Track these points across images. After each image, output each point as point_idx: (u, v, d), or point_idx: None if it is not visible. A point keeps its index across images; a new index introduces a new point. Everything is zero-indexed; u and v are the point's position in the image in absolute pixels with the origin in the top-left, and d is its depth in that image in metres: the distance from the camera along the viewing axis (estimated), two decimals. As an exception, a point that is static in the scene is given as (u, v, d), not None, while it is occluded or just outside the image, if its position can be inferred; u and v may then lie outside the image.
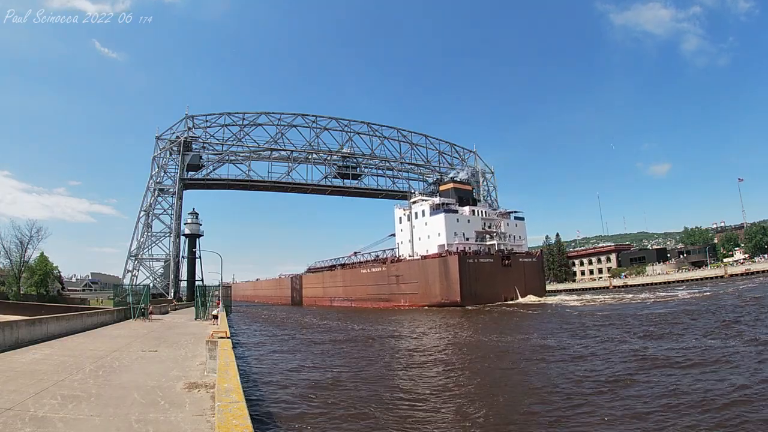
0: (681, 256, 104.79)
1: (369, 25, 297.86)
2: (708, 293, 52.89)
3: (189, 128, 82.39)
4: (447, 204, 74.26)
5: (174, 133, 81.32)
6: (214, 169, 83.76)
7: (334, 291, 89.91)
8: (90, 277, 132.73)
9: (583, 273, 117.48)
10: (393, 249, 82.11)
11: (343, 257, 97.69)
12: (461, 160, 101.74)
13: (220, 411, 5.29)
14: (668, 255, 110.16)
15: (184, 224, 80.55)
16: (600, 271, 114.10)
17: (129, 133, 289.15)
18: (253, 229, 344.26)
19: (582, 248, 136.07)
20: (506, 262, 68.71)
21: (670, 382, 14.15)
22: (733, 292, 49.82)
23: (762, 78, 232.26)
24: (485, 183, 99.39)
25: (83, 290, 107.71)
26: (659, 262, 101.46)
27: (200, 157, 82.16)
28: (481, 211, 76.61)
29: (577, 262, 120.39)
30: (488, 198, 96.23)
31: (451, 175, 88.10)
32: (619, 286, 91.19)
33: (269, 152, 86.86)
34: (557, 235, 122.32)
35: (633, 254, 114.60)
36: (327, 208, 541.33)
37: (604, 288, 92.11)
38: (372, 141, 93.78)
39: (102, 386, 9.27)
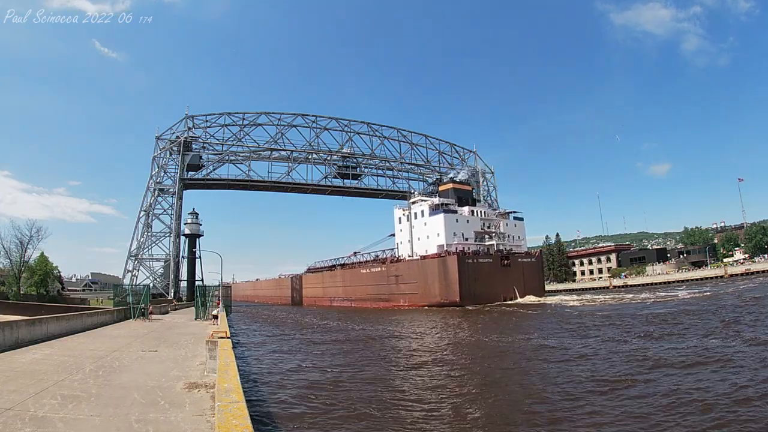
0: (681, 256, 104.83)
1: (369, 25, 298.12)
2: (708, 293, 52.89)
3: (189, 128, 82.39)
4: (446, 204, 74.33)
5: (174, 133, 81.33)
6: (214, 169, 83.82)
7: (333, 291, 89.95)
8: (90, 277, 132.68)
9: (583, 273, 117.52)
10: (392, 249, 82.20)
11: (343, 257, 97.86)
12: (461, 160, 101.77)
13: (220, 411, 5.28)
14: (668, 255, 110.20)
15: (184, 224, 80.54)
16: (600, 271, 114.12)
17: (129, 133, 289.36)
18: (253, 229, 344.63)
19: (582, 248, 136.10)
20: (505, 262, 68.79)
21: (670, 382, 14.15)
22: (733, 292, 49.83)
23: (762, 78, 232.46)
24: (485, 183, 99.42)
25: (83, 290, 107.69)
26: (659, 262, 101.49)
27: (200, 157, 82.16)
28: (480, 212, 76.71)
29: (577, 262, 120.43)
30: (488, 198, 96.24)
31: (450, 176, 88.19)
32: (619, 286, 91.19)
33: (269, 152, 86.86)
34: (557, 235, 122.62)
35: (633, 254, 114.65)
36: (327, 208, 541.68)
37: (604, 288, 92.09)
38: (372, 141, 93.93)
39: (102, 386, 9.26)
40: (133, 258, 74.88)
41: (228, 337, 12.36)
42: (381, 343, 27.74)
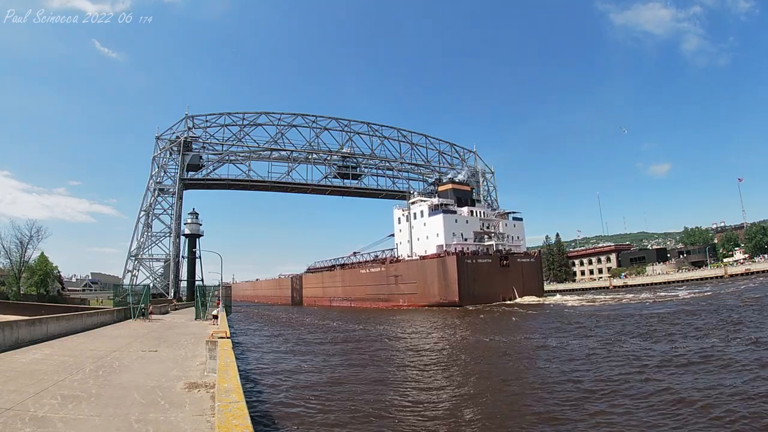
0: (681, 256, 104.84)
1: (369, 25, 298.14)
2: (708, 293, 52.91)
3: (189, 128, 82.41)
4: (445, 204, 74.39)
5: (174, 133, 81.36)
6: (214, 169, 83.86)
7: (333, 291, 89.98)
8: (90, 277, 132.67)
9: (583, 273, 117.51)
10: (392, 249, 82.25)
11: (343, 257, 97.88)
12: (461, 160, 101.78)
13: (220, 411, 5.29)
14: (668, 255, 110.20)
15: (184, 224, 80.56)
16: (600, 271, 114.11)
17: (129, 133, 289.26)
18: (253, 229, 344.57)
19: (582, 248, 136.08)
20: (504, 262, 68.86)
21: (670, 382, 14.16)
22: (733, 292, 49.85)
23: (762, 78, 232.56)
24: (485, 183, 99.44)
25: (83, 290, 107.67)
26: (659, 262, 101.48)
27: (200, 157, 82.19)
28: (480, 212, 76.80)
29: (577, 262, 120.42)
30: (488, 198, 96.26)
31: (450, 176, 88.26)
32: (619, 286, 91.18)
33: (269, 152, 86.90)
34: (557, 235, 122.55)
35: (633, 254, 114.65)
36: (327, 208, 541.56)
37: (604, 288, 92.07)
38: (372, 141, 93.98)
39: (102, 386, 9.27)
40: (133, 258, 74.89)
41: (228, 337, 12.37)
42: (380, 344, 27.74)
